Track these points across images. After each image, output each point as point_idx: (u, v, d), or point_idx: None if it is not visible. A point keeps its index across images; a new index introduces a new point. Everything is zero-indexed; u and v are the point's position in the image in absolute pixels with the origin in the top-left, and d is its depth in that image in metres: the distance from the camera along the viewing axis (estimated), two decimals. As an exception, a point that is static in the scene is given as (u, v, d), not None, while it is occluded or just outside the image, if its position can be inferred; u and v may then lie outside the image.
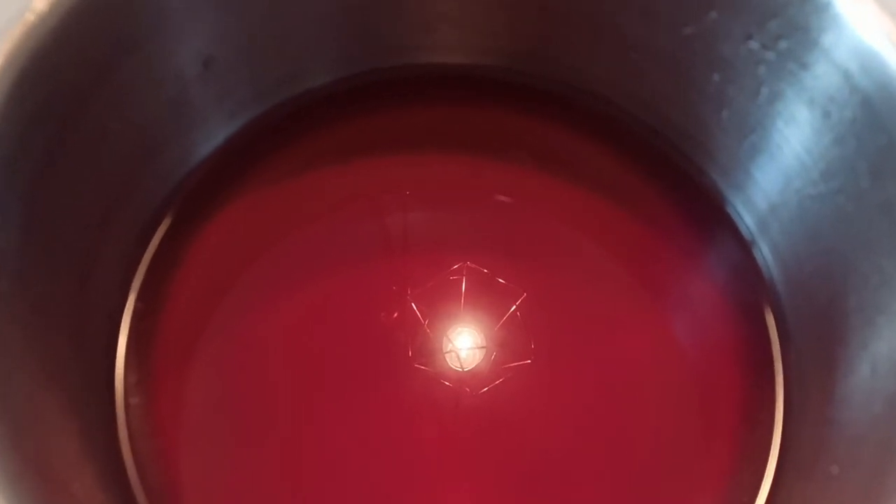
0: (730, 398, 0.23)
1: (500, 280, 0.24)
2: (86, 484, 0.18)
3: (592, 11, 0.24)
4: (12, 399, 0.16)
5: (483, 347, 0.23)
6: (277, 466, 0.22)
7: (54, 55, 0.18)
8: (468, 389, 0.23)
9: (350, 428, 0.22)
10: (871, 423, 0.18)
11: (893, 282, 0.18)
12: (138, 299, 0.24)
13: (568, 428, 0.23)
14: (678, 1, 0.21)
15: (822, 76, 0.19)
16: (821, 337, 0.21)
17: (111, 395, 0.22)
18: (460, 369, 0.23)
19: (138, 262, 0.24)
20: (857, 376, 0.19)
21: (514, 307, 0.24)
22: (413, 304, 0.24)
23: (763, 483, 0.21)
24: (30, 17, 0.17)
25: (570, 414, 0.23)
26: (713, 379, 0.23)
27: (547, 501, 0.22)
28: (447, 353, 0.23)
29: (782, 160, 0.22)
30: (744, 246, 0.24)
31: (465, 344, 0.24)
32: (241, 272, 0.24)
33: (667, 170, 0.25)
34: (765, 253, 0.24)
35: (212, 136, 0.25)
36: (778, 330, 0.23)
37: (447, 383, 0.23)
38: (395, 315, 0.24)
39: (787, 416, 0.22)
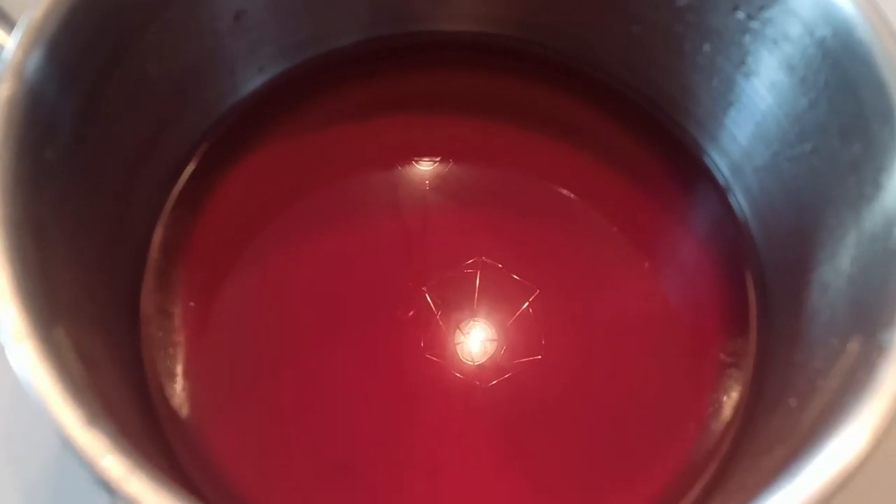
0: (712, 355, 0.25)
1: (515, 276, 0.25)
2: (112, 374, 0.20)
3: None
4: (61, 299, 0.18)
5: (494, 341, 0.24)
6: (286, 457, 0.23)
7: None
8: (478, 382, 0.24)
9: (358, 416, 0.23)
10: (826, 358, 0.19)
11: (853, 231, 0.20)
12: (165, 233, 0.25)
13: (576, 423, 0.23)
14: (675, -26, 0.23)
15: (799, 43, 0.21)
16: (790, 287, 0.23)
17: (137, 316, 0.24)
18: (471, 362, 0.24)
19: (166, 199, 0.26)
20: (819, 321, 0.21)
21: (526, 303, 0.25)
22: (427, 296, 0.25)
23: (734, 419, 0.23)
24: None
25: (579, 409, 0.24)
26: (700, 338, 0.25)
27: (551, 491, 0.23)
28: (458, 345, 0.24)
29: (765, 125, 0.23)
30: (730, 210, 0.26)
31: (476, 337, 0.24)
32: (260, 217, 0.26)
33: (662, 136, 0.27)
34: (747, 213, 0.25)
35: (240, 87, 0.27)
36: (756, 291, 0.25)
37: (458, 375, 0.24)
38: (411, 312, 0.25)
39: (758, 362, 0.24)
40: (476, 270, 0.25)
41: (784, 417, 0.20)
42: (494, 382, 0.24)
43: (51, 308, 0.17)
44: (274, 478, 0.23)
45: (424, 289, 0.25)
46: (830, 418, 0.17)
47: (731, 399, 0.24)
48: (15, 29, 0.18)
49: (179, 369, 0.24)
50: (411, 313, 0.24)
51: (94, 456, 0.15)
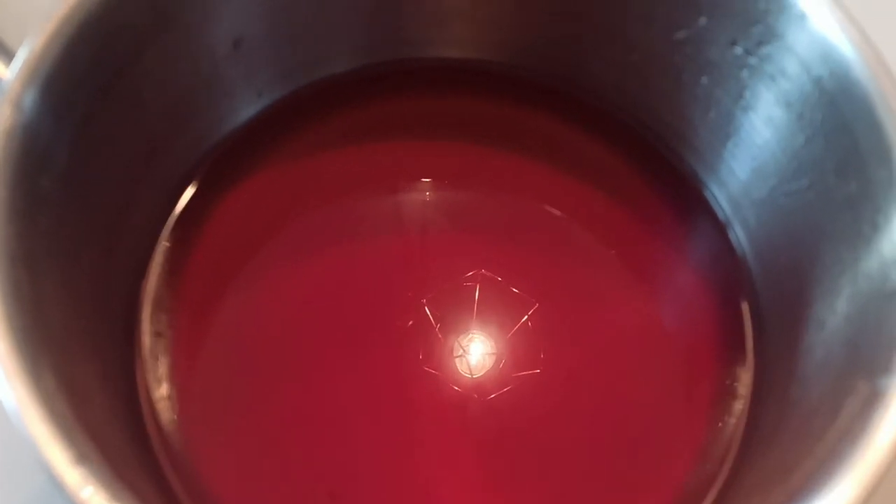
0: (708, 384, 0.25)
1: (514, 290, 0.25)
2: (104, 404, 0.19)
3: (596, 15, 0.25)
4: (52, 331, 0.18)
5: (493, 354, 0.24)
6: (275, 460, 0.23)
7: (101, 23, 0.20)
8: (476, 395, 0.24)
9: (357, 431, 0.23)
10: (821, 397, 0.19)
11: (849, 270, 0.20)
12: (161, 258, 0.25)
13: (573, 440, 0.23)
14: (673, 6, 0.23)
15: (796, 80, 0.21)
16: (787, 321, 0.23)
17: (131, 341, 0.24)
18: (469, 375, 0.24)
19: (163, 224, 0.26)
20: (815, 358, 0.21)
21: (525, 317, 0.25)
22: (426, 308, 0.25)
23: (730, 451, 0.23)
24: (81, -12, 0.19)
25: (576, 425, 0.24)
26: (696, 367, 0.25)
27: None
28: (457, 357, 0.24)
29: (762, 159, 0.23)
30: (727, 242, 0.26)
31: (475, 350, 0.24)
32: (256, 241, 0.26)
33: (660, 165, 0.27)
34: (744, 245, 0.25)
35: (238, 112, 0.27)
36: (753, 323, 0.25)
37: (456, 388, 0.24)
38: (410, 322, 0.25)
39: (754, 394, 0.24)
40: (475, 283, 0.25)
41: (780, 454, 0.20)
42: (492, 396, 0.24)
43: (42, 343, 0.17)
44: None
45: (423, 301, 0.25)
46: (825, 463, 0.17)
47: (727, 430, 0.23)
48: (13, 61, 0.18)
49: (174, 394, 0.24)
50: (410, 323, 0.24)
51: (80, 494, 0.15)
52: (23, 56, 0.18)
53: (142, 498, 0.16)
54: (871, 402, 0.16)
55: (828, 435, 0.18)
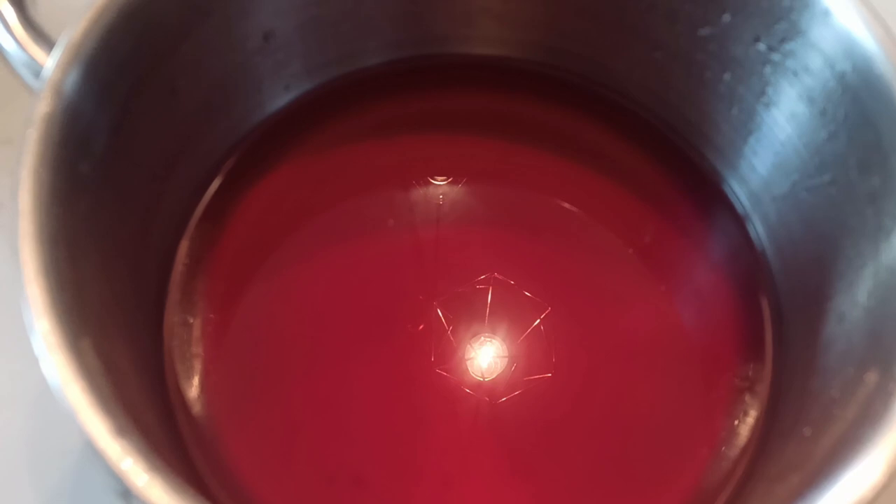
0: (727, 379, 0.25)
1: (527, 293, 0.25)
2: (138, 386, 0.20)
3: (621, 13, 0.26)
4: (90, 311, 0.18)
5: (504, 358, 0.24)
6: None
7: (139, 14, 0.20)
8: (487, 398, 0.24)
9: (369, 427, 0.24)
10: (842, 388, 0.19)
11: (871, 263, 0.20)
12: (190, 246, 0.26)
13: (586, 443, 0.24)
14: (697, 4, 0.24)
15: (819, 76, 0.21)
16: (807, 315, 0.23)
17: (160, 327, 0.25)
18: (481, 378, 0.24)
19: (192, 213, 0.26)
20: (835, 350, 0.21)
21: (538, 321, 0.25)
22: (438, 311, 0.25)
23: (749, 445, 0.23)
24: (120, -20, 0.20)
25: (588, 429, 0.24)
26: (715, 362, 0.25)
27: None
28: (468, 360, 0.24)
29: (784, 155, 0.24)
30: (747, 237, 0.26)
31: (487, 353, 0.24)
32: (280, 232, 0.26)
33: (681, 162, 0.27)
34: (764, 241, 0.26)
35: (266, 104, 0.27)
36: (772, 317, 0.25)
37: (467, 390, 0.24)
38: (421, 326, 0.25)
39: (773, 388, 0.24)
40: (488, 286, 0.25)
41: (798, 445, 0.21)
42: (504, 399, 0.24)
43: (81, 320, 0.17)
44: (288, 487, 0.23)
45: (436, 303, 0.25)
46: (846, 448, 0.17)
47: (745, 425, 0.24)
48: (54, 49, 0.19)
49: (199, 380, 0.24)
50: (421, 327, 0.25)
51: (121, 465, 0.15)
52: (63, 43, 0.19)
53: (175, 472, 0.16)
54: (893, 388, 0.17)
55: (846, 420, 0.18)
